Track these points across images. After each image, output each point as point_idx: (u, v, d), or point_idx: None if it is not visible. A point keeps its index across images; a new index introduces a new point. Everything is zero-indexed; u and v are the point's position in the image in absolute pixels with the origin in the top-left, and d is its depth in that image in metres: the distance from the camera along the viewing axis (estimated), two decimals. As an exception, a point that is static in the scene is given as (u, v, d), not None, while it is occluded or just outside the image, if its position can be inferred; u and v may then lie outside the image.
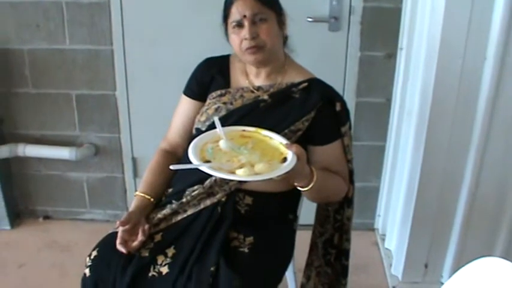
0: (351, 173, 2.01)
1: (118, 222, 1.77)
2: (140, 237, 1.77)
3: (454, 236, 2.62)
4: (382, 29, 2.83)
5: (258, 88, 1.95)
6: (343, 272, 2.19)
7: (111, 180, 3.25)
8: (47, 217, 3.42)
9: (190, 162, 1.60)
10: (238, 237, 1.83)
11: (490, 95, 2.30)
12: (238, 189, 1.86)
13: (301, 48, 2.83)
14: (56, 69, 3.02)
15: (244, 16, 1.82)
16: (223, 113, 1.90)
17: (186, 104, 2.06)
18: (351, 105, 2.91)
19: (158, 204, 1.93)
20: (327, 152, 1.90)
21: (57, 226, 3.35)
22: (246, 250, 1.79)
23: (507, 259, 1.22)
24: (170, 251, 1.78)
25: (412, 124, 2.58)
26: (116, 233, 1.80)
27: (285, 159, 1.64)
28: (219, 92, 1.97)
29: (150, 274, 1.74)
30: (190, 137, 1.97)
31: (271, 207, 1.93)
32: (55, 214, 3.42)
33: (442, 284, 2.18)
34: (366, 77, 2.92)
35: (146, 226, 1.80)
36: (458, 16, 2.21)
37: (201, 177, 1.79)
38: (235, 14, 1.84)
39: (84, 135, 3.18)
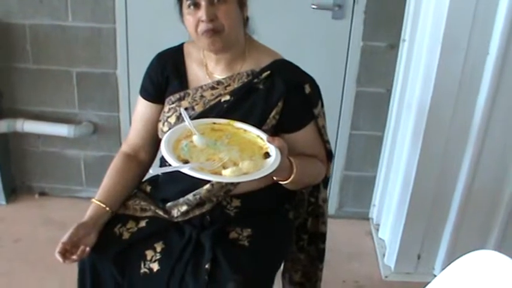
0: (328, 152, 1.92)
1: (61, 245, 1.63)
2: (75, 257, 1.65)
3: (448, 228, 2.64)
4: (385, 19, 2.82)
5: (218, 83, 1.80)
6: (320, 256, 2.13)
7: (108, 159, 3.14)
8: (43, 193, 3.43)
9: (165, 163, 1.52)
10: (236, 229, 1.80)
11: (491, 90, 2.31)
12: (224, 193, 1.80)
13: (303, 35, 2.87)
14: (57, 45, 3.01)
15: None
16: None
17: (144, 106, 1.91)
18: (351, 95, 2.95)
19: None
20: (301, 137, 1.80)
21: (53, 203, 3.36)
22: (246, 243, 1.76)
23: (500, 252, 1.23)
24: (159, 246, 1.73)
25: (411, 116, 2.59)
26: (116, 214, 1.81)
27: (266, 154, 1.58)
28: (177, 96, 1.82)
29: (141, 271, 1.70)
30: (153, 139, 1.92)
31: (262, 203, 1.87)
32: (51, 191, 3.42)
33: (434, 275, 2.20)
34: (367, 66, 2.92)
35: (88, 248, 1.66)
36: (463, 10, 2.21)
37: (190, 184, 1.73)
38: None
39: (83, 113, 3.17)
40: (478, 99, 2.36)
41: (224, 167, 1.50)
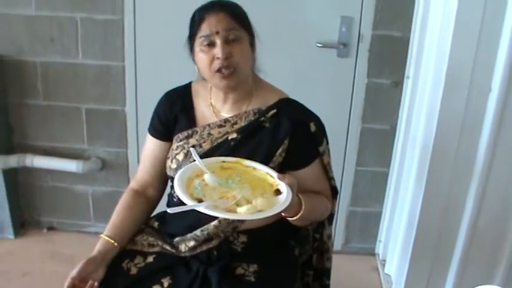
0: (333, 189, 1.94)
1: (70, 280, 1.65)
2: None
3: (453, 264, 2.63)
4: (389, 57, 2.88)
5: (225, 121, 1.83)
6: None
7: (116, 194, 3.22)
8: (51, 228, 3.45)
9: (180, 202, 1.53)
10: (242, 265, 1.80)
11: (494, 126, 2.32)
12: (231, 229, 1.80)
13: (309, 72, 2.91)
14: (67, 82, 3.08)
15: (217, 32, 1.69)
16: (194, 158, 1.71)
17: (153, 144, 1.95)
18: (356, 131, 2.98)
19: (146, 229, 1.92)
20: (307, 174, 1.82)
21: (61, 237, 3.39)
22: (253, 279, 1.76)
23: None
24: (166, 281, 1.73)
25: (416, 152, 2.61)
26: (124, 249, 1.82)
27: (277, 191, 1.59)
28: (185, 134, 1.85)
29: None
30: (161, 176, 1.95)
31: (268, 239, 1.87)
32: (59, 225, 3.45)
33: (440, 311, 2.20)
34: (372, 103, 2.97)
35: (96, 283, 1.68)
36: (465, 48, 2.25)
37: (197, 220, 1.74)
38: (205, 29, 1.70)
39: (92, 149, 3.22)
40: (481, 135, 2.37)
41: (238, 205, 1.51)
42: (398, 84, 2.91)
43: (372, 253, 3.32)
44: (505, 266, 2.60)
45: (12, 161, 3.17)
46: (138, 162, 3.14)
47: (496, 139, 2.36)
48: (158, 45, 2.97)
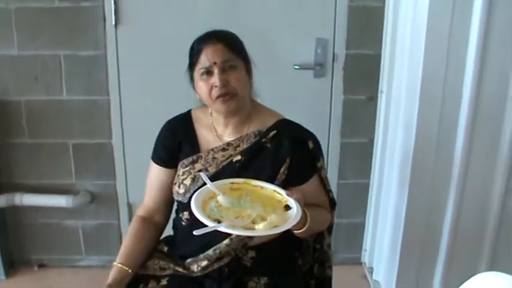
0: (332, 201, 2.06)
1: None
2: None
3: (439, 263, 2.75)
4: (363, 74, 3.04)
5: (228, 144, 1.93)
6: None
7: (106, 227, 3.32)
8: (41, 265, 3.44)
9: (190, 225, 1.64)
10: (253, 278, 1.89)
11: (467, 131, 2.48)
12: (241, 247, 1.89)
13: (288, 94, 3.03)
14: (53, 119, 3.12)
15: (214, 63, 1.80)
16: (201, 182, 1.84)
17: (157, 171, 2.02)
18: (336, 146, 3.10)
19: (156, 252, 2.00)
20: (307, 189, 1.90)
21: (53, 274, 3.38)
22: None
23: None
24: None
25: (396, 162, 2.75)
26: (137, 275, 1.89)
27: (287, 207, 1.69)
28: (190, 159, 1.94)
29: None
30: (166, 202, 2.04)
31: (275, 252, 1.94)
32: (50, 262, 3.44)
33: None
34: (350, 119, 3.11)
35: None
36: (437, 60, 2.41)
37: (208, 241, 1.82)
38: (204, 61, 1.82)
39: (81, 183, 3.25)
40: (456, 141, 2.52)
41: (253, 222, 1.61)
42: (372, 99, 3.06)
43: (358, 262, 3.43)
44: (486, 261, 2.73)
45: (1, 201, 3.18)
46: (127, 193, 3.24)
47: (470, 145, 2.51)
48: (141, 78, 3.04)
